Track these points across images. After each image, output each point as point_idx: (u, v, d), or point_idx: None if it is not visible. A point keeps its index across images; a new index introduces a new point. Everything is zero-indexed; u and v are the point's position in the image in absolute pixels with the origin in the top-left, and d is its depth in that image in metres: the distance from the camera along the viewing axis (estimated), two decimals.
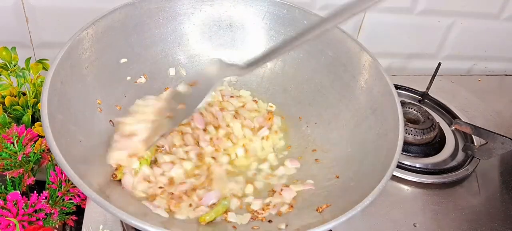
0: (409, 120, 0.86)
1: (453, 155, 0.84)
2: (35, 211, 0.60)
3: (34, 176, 0.64)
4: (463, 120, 0.88)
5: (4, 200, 0.59)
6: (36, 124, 0.70)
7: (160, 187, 0.57)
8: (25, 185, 0.63)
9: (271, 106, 0.74)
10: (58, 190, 0.63)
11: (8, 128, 0.67)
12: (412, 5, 0.99)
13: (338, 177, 0.61)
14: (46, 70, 0.74)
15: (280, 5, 0.73)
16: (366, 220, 0.70)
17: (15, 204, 0.59)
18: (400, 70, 1.13)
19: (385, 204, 0.73)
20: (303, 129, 0.70)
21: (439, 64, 0.97)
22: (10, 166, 0.63)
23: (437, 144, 0.84)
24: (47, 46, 0.87)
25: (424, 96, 0.98)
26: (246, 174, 0.63)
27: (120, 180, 0.55)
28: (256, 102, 0.74)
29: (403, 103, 0.88)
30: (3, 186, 0.62)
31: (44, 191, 0.62)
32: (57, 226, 0.63)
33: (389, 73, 0.63)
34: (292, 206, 0.57)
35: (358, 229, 0.68)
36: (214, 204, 0.56)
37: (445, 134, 0.88)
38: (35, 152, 0.65)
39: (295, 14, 0.73)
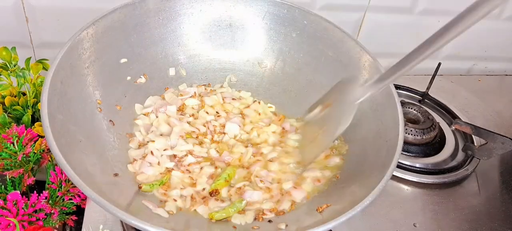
0: (409, 120, 0.86)
1: (453, 155, 0.84)
2: (35, 211, 0.60)
3: (34, 176, 0.64)
4: (463, 120, 0.88)
5: (4, 200, 0.59)
6: (36, 124, 0.70)
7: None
8: (25, 185, 0.63)
9: (270, 106, 0.74)
10: (58, 190, 0.63)
11: (8, 128, 0.67)
12: (412, 5, 0.99)
13: (338, 177, 0.61)
14: (46, 70, 0.74)
15: (280, 5, 0.73)
16: (366, 220, 0.70)
17: (15, 204, 0.59)
18: None
19: (385, 204, 0.73)
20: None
21: (439, 64, 0.97)
22: (10, 166, 0.63)
23: (437, 144, 0.84)
24: (47, 46, 0.87)
25: (424, 96, 0.98)
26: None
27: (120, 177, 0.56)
28: (259, 103, 0.74)
29: (403, 103, 0.88)
30: (3, 186, 0.62)
31: (44, 191, 0.62)
32: (57, 226, 0.63)
33: None
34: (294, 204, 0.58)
35: (358, 229, 0.68)
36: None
37: (445, 134, 0.88)
38: (35, 152, 0.65)
39: (295, 14, 0.73)
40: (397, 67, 0.52)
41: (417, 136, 0.82)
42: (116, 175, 0.56)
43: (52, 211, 0.62)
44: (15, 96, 0.72)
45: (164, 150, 0.62)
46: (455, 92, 1.05)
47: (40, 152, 0.65)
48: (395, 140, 0.55)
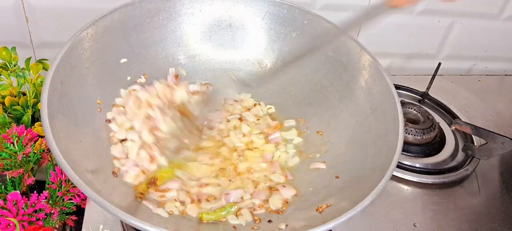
0: (409, 120, 0.86)
1: (453, 155, 0.83)
2: (35, 211, 0.60)
3: (34, 176, 0.64)
4: (463, 120, 0.88)
5: (4, 200, 0.59)
6: (36, 124, 0.70)
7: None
8: (25, 185, 0.63)
9: (270, 108, 0.74)
10: (58, 190, 0.63)
11: (8, 128, 0.67)
12: (412, 5, 0.99)
13: (337, 177, 0.61)
14: (46, 70, 0.74)
15: (280, 5, 0.73)
16: (366, 220, 0.70)
17: (15, 204, 0.59)
18: (400, 70, 1.13)
19: (385, 204, 0.73)
20: (303, 129, 0.70)
21: (439, 64, 0.97)
22: (10, 166, 0.63)
23: (437, 144, 0.84)
24: (47, 46, 0.87)
25: (424, 96, 0.98)
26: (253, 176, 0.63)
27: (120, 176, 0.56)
28: (259, 104, 0.74)
29: (403, 103, 0.88)
30: (3, 186, 0.62)
31: (44, 191, 0.62)
32: (57, 226, 0.63)
33: (389, 73, 0.63)
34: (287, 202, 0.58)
35: (358, 229, 0.68)
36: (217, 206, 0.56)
37: (445, 134, 0.88)
38: (35, 152, 0.65)
39: (295, 14, 0.73)
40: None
41: (417, 136, 0.82)
42: (115, 174, 0.56)
43: (52, 211, 0.62)
44: (15, 96, 0.72)
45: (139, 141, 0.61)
46: (455, 92, 1.04)
47: (40, 152, 0.65)
48: (395, 140, 0.55)
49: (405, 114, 0.87)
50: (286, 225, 0.53)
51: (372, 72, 0.65)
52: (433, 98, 0.97)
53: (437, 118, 0.92)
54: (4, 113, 0.70)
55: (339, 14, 0.96)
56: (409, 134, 0.82)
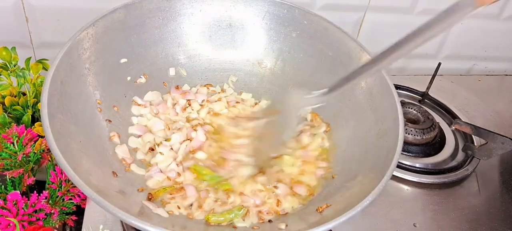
0: (409, 120, 0.86)
1: (453, 155, 0.83)
2: (35, 211, 0.60)
3: (34, 176, 0.64)
4: (463, 120, 0.88)
5: (4, 200, 0.59)
6: (36, 124, 0.70)
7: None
8: (25, 185, 0.63)
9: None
10: (58, 190, 0.63)
11: (8, 128, 0.67)
12: (412, 5, 0.99)
13: (334, 177, 0.61)
14: (46, 70, 0.74)
15: (280, 5, 0.73)
16: (366, 220, 0.70)
17: (15, 204, 0.59)
18: (400, 70, 1.13)
19: (385, 204, 0.73)
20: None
21: (439, 64, 0.97)
22: (10, 166, 0.63)
23: (437, 144, 0.84)
24: (47, 46, 0.87)
25: (424, 96, 0.98)
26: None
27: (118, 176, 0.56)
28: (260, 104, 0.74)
29: (403, 103, 0.88)
30: (3, 186, 0.62)
31: (44, 191, 0.62)
32: (57, 226, 0.63)
33: (389, 73, 0.63)
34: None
35: (358, 229, 0.68)
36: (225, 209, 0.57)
37: (445, 134, 0.88)
38: (35, 152, 0.65)
39: (295, 14, 0.73)
40: (345, 79, 0.53)
41: (417, 136, 0.82)
42: (115, 174, 0.56)
43: (52, 211, 0.62)
44: (15, 96, 0.72)
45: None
46: (455, 92, 1.04)
47: (40, 152, 0.65)
48: (395, 140, 0.55)
49: (405, 114, 0.87)
50: (286, 225, 0.53)
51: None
52: (433, 98, 0.97)
53: (437, 118, 0.92)
54: (4, 113, 0.70)
55: (339, 14, 0.96)
56: (409, 134, 0.82)
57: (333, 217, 0.46)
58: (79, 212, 0.65)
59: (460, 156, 0.83)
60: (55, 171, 0.64)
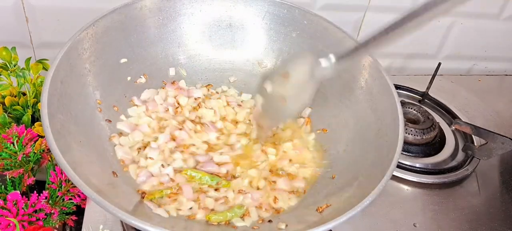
0: (409, 120, 0.86)
1: (453, 155, 0.84)
2: (35, 211, 0.60)
3: (34, 176, 0.64)
4: (463, 120, 0.88)
5: (4, 200, 0.59)
6: (36, 124, 0.70)
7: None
8: (25, 185, 0.63)
9: None
10: (58, 190, 0.63)
11: (8, 128, 0.67)
12: (412, 5, 0.99)
13: (334, 177, 0.61)
14: (46, 70, 0.74)
15: (280, 5, 0.73)
16: (366, 220, 0.70)
17: (15, 204, 0.59)
18: (400, 70, 1.13)
19: (385, 204, 0.73)
20: (303, 129, 0.70)
21: (439, 64, 0.97)
22: (10, 166, 0.63)
23: (437, 144, 0.84)
24: (47, 46, 0.87)
25: (424, 96, 0.98)
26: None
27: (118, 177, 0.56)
28: None
29: (403, 103, 0.88)
30: (3, 186, 0.62)
31: (44, 191, 0.62)
32: (57, 226, 0.63)
33: (389, 73, 0.63)
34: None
35: (358, 229, 0.68)
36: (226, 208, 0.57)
37: (445, 134, 0.88)
38: (35, 152, 0.65)
39: (295, 14, 0.73)
40: (366, 44, 0.51)
41: (417, 136, 0.82)
42: (115, 174, 0.56)
43: (52, 211, 0.62)
44: (15, 96, 0.72)
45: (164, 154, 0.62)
46: (455, 92, 1.04)
47: (40, 152, 0.65)
48: (395, 140, 0.55)
49: (405, 114, 0.87)
50: (286, 225, 0.53)
51: (372, 72, 0.65)
52: (433, 98, 0.97)
53: (437, 118, 0.92)
54: (4, 113, 0.70)
55: (339, 14, 0.96)
56: (409, 134, 0.82)
57: (333, 217, 0.46)
58: (79, 212, 0.65)
59: (460, 156, 0.83)
60: (55, 171, 0.64)
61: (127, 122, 0.64)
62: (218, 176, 0.60)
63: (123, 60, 0.67)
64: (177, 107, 0.69)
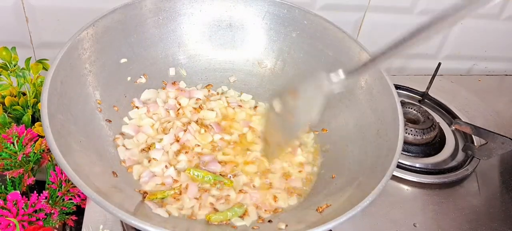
0: (409, 120, 0.86)
1: (453, 155, 0.83)
2: (35, 211, 0.60)
3: (34, 176, 0.64)
4: (463, 120, 0.88)
5: (4, 200, 0.59)
6: (36, 124, 0.70)
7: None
8: (25, 185, 0.63)
9: None
10: (58, 190, 0.63)
11: (8, 128, 0.67)
12: (412, 5, 0.99)
13: (334, 177, 0.61)
14: (46, 70, 0.74)
15: (280, 5, 0.73)
16: (366, 220, 0.70)
17: (15, 204, 0.59)
18: (400, 70, 1.13)
19: (385, 204, 0.73)
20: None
21: (439, 64, 0.97)
22: (10, 166, 0.63)
23: (437, 144, 0.84)
24: (47, 46, 0.87)
25: (424, 96, 0.98)
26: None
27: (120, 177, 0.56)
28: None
29: (403, 103, 0.88)
30: (3, 186, 0.62)
31: (44, 191, 0.62)
32: (57, 226, 0.63)
33: (389, 73, 0.63)
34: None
35: (358, 229, 0.68)
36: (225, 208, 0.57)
37: (445, 134, 0.88)
38: (35, 152, 0.65)
39: (295, 14, 0.73)
40: (374, 59, 0.50)
41: (417, 136, 0.82)
42: (115, 174, 0.56)
43: (52, 211, 0.62)
44: (15, 96, 0.72)
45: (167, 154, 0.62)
46: (455, 92, 1.04)
47: (40, 152, 0.65)
48: (395, 140, 0.55)
49: (405, 114, 0.87)
50: (286, 225, 0.53)
51: (372, 72, 0.65)
52: (433, 98, 0.97)
53: (437, 118, 0.92)
54: (4, 113, 0.70)
55: (339, 14, 0.96)
56: (409, 134, 0.82)
57: (333, 217, 0.46)
58: (79, 212, 0.65)
59: (460, 156, 0.83)
60: (55, 171, 0.64)
61: (131, 124, 0.65)
62: (220, 175, 0.60)
63: (123, 60, 0.67)
64: (178, 109, 0.69)
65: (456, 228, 0.71)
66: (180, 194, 0.57)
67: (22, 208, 0.59)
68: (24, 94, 0.73)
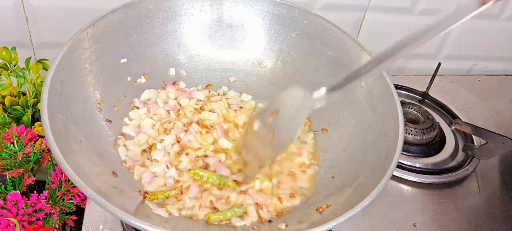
0: (409, 120, 0.86)
1: (453, 155, 0.83)
2: (35, 211, 0.60)
3: (34, 176, 0.64)
4: (463, 120, 0.88)
5: (4, 200, 0.59)
6: (36, 124, 0.70)
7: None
8: (25, 185, 0.63)
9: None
10: (58, 190, 0.63)
11: (8, 128, 0.67)
12: (412, 5, 0.99)
13: (334, 177, 0.61)
14: (46, 70, 0.74)
15: (280, 5, 0.73)
16: (366, 220, 0.70)
17: (15, 204, 0.59)
18: (400, 70, 1.13)
19: (385, 204, 0.73)
20: (303, 129, 0.70)
21: (439, 64, 0.97)
22: (10, 166, 0.63)
23: (437, 144, 0.84)
24: (47, 46, 0.87)
25: (424, 96, 0.98)
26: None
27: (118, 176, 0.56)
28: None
29: (403, 103, 0.88)
30: (3, 186, 0.62)
31: (44, 191, 0.62)
32: (57, 226, 0.63)
33: (389, 73, 0.63)
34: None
35: (358, 229, 0.68)
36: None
37: (445, 134, 0.88)
38: (35, 152, 0.65)
39: (295, 14, 0.73)
40: (346, 79, 0.49)
41: (417, 136, 0.82)
42: (115, 174, 0.56)
43: (52, 211, 0.62)
44: (15, 96, 0.72)
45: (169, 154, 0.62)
46: (455, 92, 1.04)
47: (40, 152, 0.65)
48: (395, 140, 0.55)
49: (405, 114, 0.87)
50: (286, 225, 0.53)
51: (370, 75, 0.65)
52: (433, 98, 0.97)
53: (437, 118, 0.92)
54: (4, 113, 0.70)
55: (339, 14, 0.96)
56: (409, 134, 0.82)
57: (333, 217, 0.46)
58: (79, 212, 0.65)
59: (460, 156, 0.83)
60: (55, 171, 0.64)
61: (131, 125, 0.65)
62: (226, 178, 0.60)
63: (123, 60, 0.67)
64: (178, 110, 0.69)
65: (456, 228, 0.71)
66: (181, 194, 0.57)
67: (22, 208, 0.59)
68: (24, 94, 0.73)
